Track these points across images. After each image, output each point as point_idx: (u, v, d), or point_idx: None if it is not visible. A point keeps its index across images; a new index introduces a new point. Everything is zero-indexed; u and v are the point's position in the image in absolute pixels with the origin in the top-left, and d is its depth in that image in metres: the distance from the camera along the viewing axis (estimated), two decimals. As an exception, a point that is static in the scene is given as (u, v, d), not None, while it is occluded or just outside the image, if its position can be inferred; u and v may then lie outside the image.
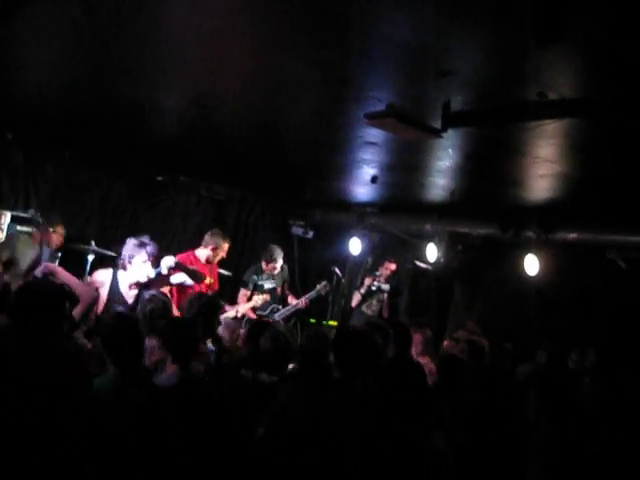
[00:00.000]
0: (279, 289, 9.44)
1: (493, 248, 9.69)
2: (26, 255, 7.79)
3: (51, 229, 8.18)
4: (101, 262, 8.68)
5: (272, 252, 9.32)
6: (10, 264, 7.22)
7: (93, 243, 8.64)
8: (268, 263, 9.29)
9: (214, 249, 8.29)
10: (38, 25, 4.66)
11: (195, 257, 8.27)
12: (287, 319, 9.29)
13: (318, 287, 9.49)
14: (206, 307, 5.85)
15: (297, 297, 9.54)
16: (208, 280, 8.24)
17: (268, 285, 9.37)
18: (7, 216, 8.14)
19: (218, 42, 4.57)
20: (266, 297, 9.07)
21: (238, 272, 9.89)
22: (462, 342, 7.17)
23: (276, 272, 9.39)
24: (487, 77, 4.47)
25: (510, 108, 4.88)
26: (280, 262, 9.35)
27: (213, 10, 4.00)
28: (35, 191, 9.45)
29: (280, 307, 9.36)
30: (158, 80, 5.63)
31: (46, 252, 8.01)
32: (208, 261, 8.32)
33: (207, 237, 8.40)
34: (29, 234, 8.12)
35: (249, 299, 9.12)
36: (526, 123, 5.02)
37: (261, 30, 4.23)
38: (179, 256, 8.13)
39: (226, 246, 8.48)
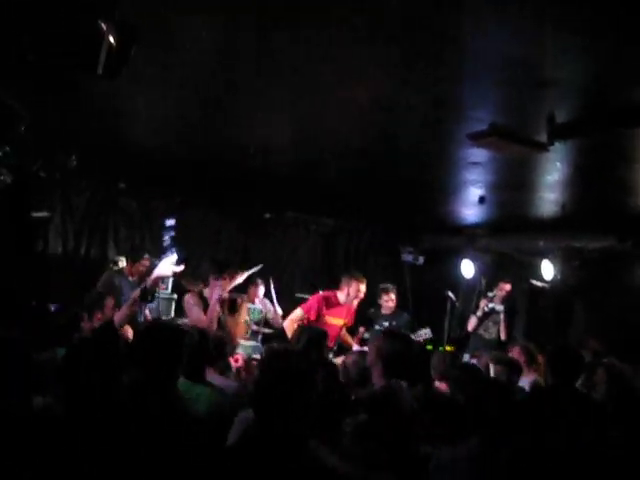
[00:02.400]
0: None
1: (612, 261, 9.34)
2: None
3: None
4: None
5: (386, 287, 9.28)
6: None
7: (208, 281, 8.84)
8: (382, 296, 9.23)
9: (349, 293, 8.25)
10: (144, 81, 4.87)
11: (335, 297, 8.27)
12: None
13: (420, 333, 9.17)
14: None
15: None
16: (341, 322, 8.26)
17: (383, 324, 9.23)
18: (123, 261, 8.52)
19: (322, 78, 4.65)
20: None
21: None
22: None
23: (391, 308, 9.22)
24: (590, 84, 4.34)
25: (617, 113, 4.71)
26: (394, 296, 9.23)
27: (319, 46, 4.09)
28: (150, 236, 9.82)
29: None
30: (263, 122, 5.77)
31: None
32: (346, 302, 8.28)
33: (344, 279, 8.34)
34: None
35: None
36: (635, 127, 4.83)
37: (362, 61, 4.27)
38: (320, 293, 8.22)
39: (363, 286, 8.39)
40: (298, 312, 8.04)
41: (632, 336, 9.32)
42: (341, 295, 8.16)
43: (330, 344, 7.87)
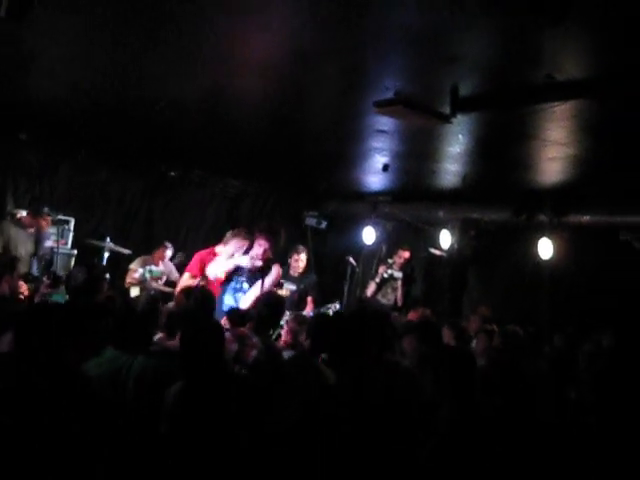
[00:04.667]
0: (296, 295, 9.28)
1: (506, 233, 9.69)
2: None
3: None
4: (116, 258, 8.82)
5: (296, 247, 9.33)
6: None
7: (108, 240, 8.74)
8: (292, 256, 9.28)
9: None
10: (50, 27, 4.73)
11: (214, 254, 8.32)
12: None
13: (329, 306, 9.31)
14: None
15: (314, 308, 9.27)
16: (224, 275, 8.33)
17: (289, 286, 9.28)
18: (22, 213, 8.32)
19: (234, 38, 4.62)
20: (283, 291, 9.03)
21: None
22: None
23: (300, 271, 9.29)
24: (493, 61, 4.48)
25: (518, 91, 4.89)
26: (304, 257, 9.28)
27: (226, 7, 4.07)
28: (50, 190, 9.59)
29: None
30: (173, 75, 5.69)
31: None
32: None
33: (229, 235, 8.40)
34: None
35: None
36: (534, 106, 5.03)
37: (272, 24, 4.27)
38: (199, 253, 8.24)
39: (244, 243, 8.45)
40: (185, 276, 8.09)
41: (521, 304, 9.75)
42: (220, 248, 8.24)
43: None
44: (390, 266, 10.29)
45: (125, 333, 4.39)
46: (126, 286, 8.86)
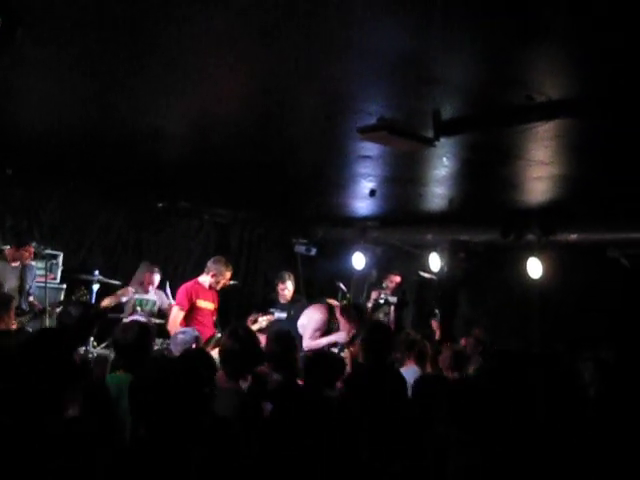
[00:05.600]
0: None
1: (495, 254, 9.71)
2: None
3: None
4: (107, 291, 8.77)
5: (282, 275, 9.36)
6: None
7: (97, 272, 8.71)
8: (278, 285, 9.32)
9: (214, 275, 8.33)
10: (31, 61, 4.74)
11: (199, 284, 8.34)
12: None
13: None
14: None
15: None
16: (212, 306, 8.35)
17: (278, 314, 9.28)
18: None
19: (215, 67, 4.64)
20: (270, 317, 9.04)
21: (242, 295, 9.93)
22: None
23: (288, 299, 9.32)
24: (473, 83, 4.51)
25: (498, 112, 4.92)
26: (290, 285, 9.33)
27: (208, 38, 4.10)
28: (37, 224, 9.58)
29: None
30: (157, 106, 5.70)
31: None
32: (211, 287, 8.36)
33: (209, 264, 8.45)
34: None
35: (254, 321, 9.08)
36: (516, 126, 5.05)
37: (254, 52, 4.30)
38: (185, 285, 8.25)
39: (228, 274, 8.48)
40: (174, 311, 8.10)
41: (512, 324, 9.75)
42: (205, 278, 8.26)
43: (211, 330, 7.97)
44: (383, 291, 10.31)
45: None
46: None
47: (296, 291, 9.61)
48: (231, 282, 8.94)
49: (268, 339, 6.09)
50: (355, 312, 8.01)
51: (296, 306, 9.16)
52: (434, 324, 10.19)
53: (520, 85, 4.38)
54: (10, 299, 6.58)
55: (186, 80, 4.97)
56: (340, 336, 7.90)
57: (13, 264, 8.16)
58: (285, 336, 6.04)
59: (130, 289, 9.01)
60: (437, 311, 10.20)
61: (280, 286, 9.30)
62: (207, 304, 8.26)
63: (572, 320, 9.23)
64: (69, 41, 4.36)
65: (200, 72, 4.78)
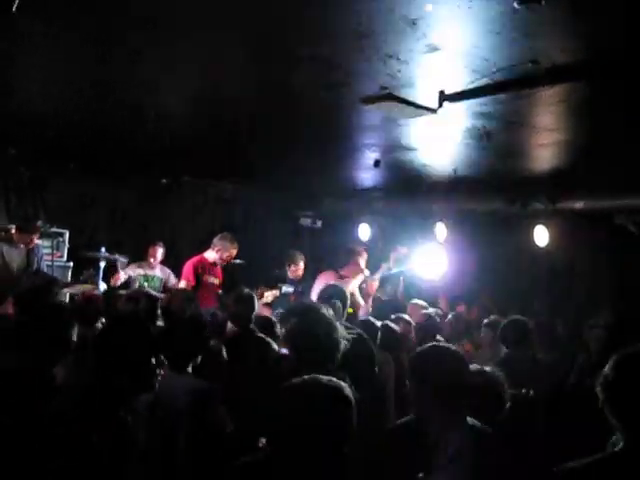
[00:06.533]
0: (293, 297, 9.26)
1: (501, 222, 9.67)
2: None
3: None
4: (113, 268, 8.80)
5: (293, 256, 9.38)
6: None
7: (103, 250, 8.72)
8: (290, 267, 9.36)
9: (219, 251, 8.35)
10: (36, 37, 4.70)
11: (205, 259, 8.36)
12: None
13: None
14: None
15: None
16: (217, 282, 8.38)
17: (286, 288, 9.31)
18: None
19: (213, 43, 4.60)
20: (276, 292, 9.07)
21: (249, 270, 9.92)
22: None
23: (299, 277, 9.36)
24: (477, 48, 4.45)
25: (503, 78, 4.86)
26: (302, 264, 9.37)
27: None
28: (42, 203, 9.58)
29: None
30: (160, 84, 5.68)
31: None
32: (215, 263, 8.38)
33: (215, 240, 8.49)
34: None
35: (261, 296, 9.10)
36: (520, 92, 5.00)
37: (257, 27, 4.26)
38: (191, 260, 8.28)
39: (233, 250, 8.51)
40: (182, 284, 8.12)
41: (519, 293, 9.73)
42: (210, 254, 8.29)
43: (213, 303, 8.01)
44: (391, 263, 10.27)
45: None
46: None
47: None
48: (237, 261, 8.99)
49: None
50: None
51: (304, 281, 9.21)
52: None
53: (524, 49, 4.32)
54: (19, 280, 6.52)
55: (188, 56, 4.94)
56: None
57: (20, 245, 8.15)
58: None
59: (133, 265, 9.09)
60: None
61: (292, 268, 9.34)
62: (213, 279, 8.31)
63: (579, 288, 9.21)
64: (70, 19, 4.33)
65: (202, 48, 4.75)
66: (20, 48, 4.90)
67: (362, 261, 8.49)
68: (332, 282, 7.22)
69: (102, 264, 8.68)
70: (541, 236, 8.79)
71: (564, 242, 8.78)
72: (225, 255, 8.44)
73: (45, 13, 4.23)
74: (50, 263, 8.42)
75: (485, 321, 7.72)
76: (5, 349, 3.83)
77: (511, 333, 6.57)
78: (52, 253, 8.62)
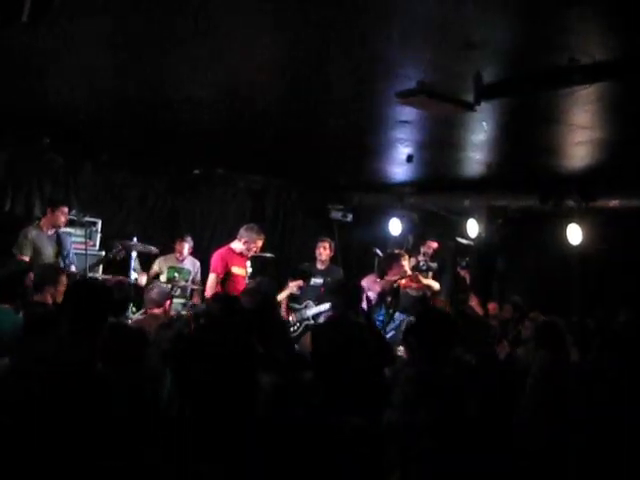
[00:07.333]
0: (322, 289, 9.07)
1: (534, 220, 9.60)
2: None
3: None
4: (146, 257, 8.88)
5: (321, 239, 9.40)
6: None
7: (135, 239, 8.77)
8: (318, 248, 9.34)
9: (246, 242, 8.33)
10: (67, 31, 4.74)
11: (232, 250, 8.36)
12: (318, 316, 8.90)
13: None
14: None
15: None
16: (244, 272, 8.36)
17: (316, 280, 9.30)
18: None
19: (250, 34, 4.61)
20: (299, 283, 9.04)
21: (279, 262, 9.94)
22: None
23: (325, 259, 9.34)
24: (515, 46, 4.43)
25: (541, 76, 4.82)
26: (328, 245, 9.34)
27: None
28: (75, 193, 9.67)
29: (314, 304, 9.04)
30: (193, 74, 5.70)
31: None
32: (242, 254, 8.37)
33: (242, 230, 8.44)
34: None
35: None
36: (558, 90, 4.96)
37: (292, 18, 4.26)
38: (218, 252, 8.29)
39: (260, 241, 8.47)
40: (210, 278, 8.13)
41: (551, 291, 9.65)
42: (237, 245, 8.28)
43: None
44: (423, 258, 10.23)
45: None
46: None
47: (333, 258, 9.61)
48: (267, 255, 8.98)
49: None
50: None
51: (332, 273, 9.19)
52: (462, 272, 10.16)
53: (563, 47, 4.29)
54: (58, 272, 6.39)
55: (220, 48, 4.95)
56: None
57: (49, 232, 8.21)
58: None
59: (161, 257, 9.21)
60: (466, 261, 10.11)
61: (320, 247, 9.28)
62: (240, 270, 8.27)
63: (612, 287, 9.13)
64: (104, 12, 4.36)
65: (235, 39, 4.75)
66: (53, 41, 4.94)
67: (405, 262, 8.44)
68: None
69: (134, 254, 8.73)
70: (574, 234, 8.71)
71: (597, 240, 8.69)
72: (252, 246, 8.41)
73: (79, 7, 4.27)
74: (83, 252, 8.46)
75: (530, 314, 7.72)
76: (44, 335, 3.88)
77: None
78: (85, 242, 8.65)
